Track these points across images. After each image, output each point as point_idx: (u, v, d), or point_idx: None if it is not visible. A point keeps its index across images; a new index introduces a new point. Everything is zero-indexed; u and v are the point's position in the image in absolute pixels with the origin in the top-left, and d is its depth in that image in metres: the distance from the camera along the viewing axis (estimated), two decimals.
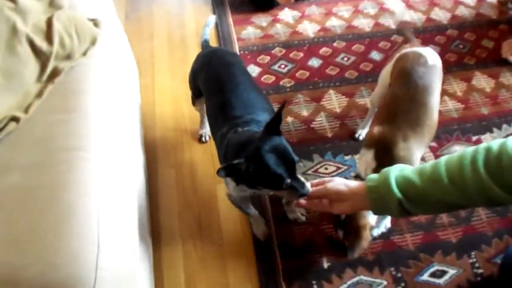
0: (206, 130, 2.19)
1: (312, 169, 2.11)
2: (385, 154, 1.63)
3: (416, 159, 1.65)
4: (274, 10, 2.89)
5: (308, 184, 1.38)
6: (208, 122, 1.81)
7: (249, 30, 2.75)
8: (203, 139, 2.22)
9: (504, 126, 2.30)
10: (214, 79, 1.78)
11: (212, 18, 2.18)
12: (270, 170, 1.33)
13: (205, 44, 2.05)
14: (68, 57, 1.54)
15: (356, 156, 2.14)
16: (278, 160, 1.34)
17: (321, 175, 2.09)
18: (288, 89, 2.44)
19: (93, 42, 1.62)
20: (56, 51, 1.50)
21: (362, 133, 2.21)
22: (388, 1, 2.99)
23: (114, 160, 1.39)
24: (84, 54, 1.58)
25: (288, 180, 1.35)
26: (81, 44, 1.58)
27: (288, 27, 2.79)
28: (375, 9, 2.93)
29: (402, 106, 1.71)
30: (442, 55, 2.60)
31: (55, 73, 1.50)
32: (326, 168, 2.11)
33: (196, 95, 1.98)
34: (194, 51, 2.62)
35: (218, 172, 1.28)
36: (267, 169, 1.33)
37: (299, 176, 1.39)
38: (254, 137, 1.41)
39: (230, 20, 2.82)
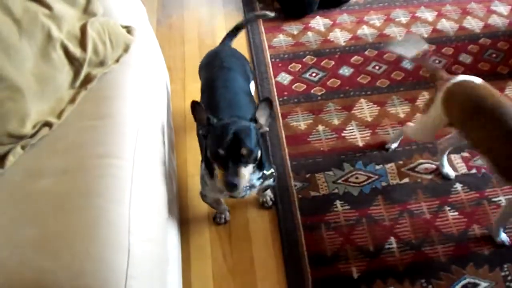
0: None
1: (343, 178, 2.11)
2: None
3: None
4: (306, 18, 2.89)
5: (243, 182, 1.44)
6: None
7: (280, 38, 2.76)
8: None
9: None
10: (210, 80, 1.86)
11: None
12: (217, 131, 1.45)
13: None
14: (101, 63, 1.57)
15: (387, 166, 2.14)
16: (232, 134, 1.42)
17: (351, 184, 2.08)
18: (319, 98, 2.44)
19: (126, 49, 1.65)
20: (89, 58, 1.53)
21: (393, 146, 2.19)
22: (420, 9, 2.97)
23: (145, 167, 1.40)
24: (117, 60, 1.61)
25: (222, 152, 1.41)
26: (114, 51, 1.61)
27: (320, 35, 2.79)
28: (407, 17, 2.91)
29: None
30: (474, 64, 2.60)
31: (88, 79, 1.53)
32: (356, 178, 2.10)
33: None
34: None
35: (192, 103, 1.48)
36: (217, 129, 1.45)
37: (242, 169, 1.44)
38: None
39: (262, 27, 2.83)
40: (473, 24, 2.88)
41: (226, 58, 1.93)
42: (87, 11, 1.62)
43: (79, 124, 1.42)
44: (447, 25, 2.86)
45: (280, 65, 2.59)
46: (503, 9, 3.00)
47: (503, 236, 1.91)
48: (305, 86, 2.49)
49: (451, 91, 1.68)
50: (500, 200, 2.03)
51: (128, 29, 1.72)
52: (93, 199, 1.22)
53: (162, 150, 1.70)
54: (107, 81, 1.55)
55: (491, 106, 1.56)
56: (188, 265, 1.89)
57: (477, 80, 1.68)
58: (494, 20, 2.91)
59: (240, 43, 2.70)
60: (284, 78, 2.52)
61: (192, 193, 2.11)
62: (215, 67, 1.88)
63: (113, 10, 1.77)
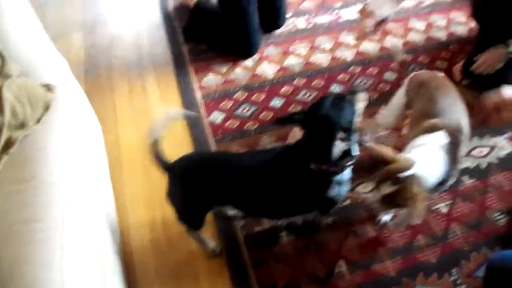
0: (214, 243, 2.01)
1: None
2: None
3: None
4: (233, 55, 2.92)
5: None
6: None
7: (210, 77, 2.77)
8: (219, 252, 2.02)
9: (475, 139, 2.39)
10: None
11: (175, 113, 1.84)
12: None
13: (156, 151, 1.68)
14: (22, 125, 1.52)
15: None
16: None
17: None
18: (253, 132, 2.45)
19: (47, 108, 1.61)
20: (8, 121, 1.48)
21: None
22: (342, 34, 3.08)
23: (77, 228, 1.34)
24: (38, 121, 1.57)
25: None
26: (34, 111, 1.57)
27: (248, 70, 2.82)
28: (331, 43, 3.00)
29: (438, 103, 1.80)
30: (399, 80, 2.67)
31: (9, 143, 1.48)
32: None
33: (202, 216, 1.81)
34: (155, 101, 2.66)
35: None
36: None
37: None
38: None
39: (191, 69, 2.84)
40: (394, 43, 3.00)
41: (213, 158, 1.78)
42: (1, 74, 1.57)
43: (3, 190, 1.36)
44: (369, 47, 2.97)
45: (212, 104, 2.60)
46: (420, 25, 3.15)
47: (386, 218, 2.05)
48: (238, 122, 2.50)
49: (411, 78, 1.99)
50: (439, 208, 2.10)
51: (48, 87, 1.67)
52: (22, 267, 1.16)
53: (96, 205, 1.66)
54: (29, 142, 1.50)
55: (430, 83, 1.89)
56: None
57: (429, 71, 2.01)
58: (413, 37, 3.05)
59: (169, 90, 2.73)
60: (217, 116, 2.53)
61: (136, 246, 2.06)
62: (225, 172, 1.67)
63: (32, 68, 1.73)
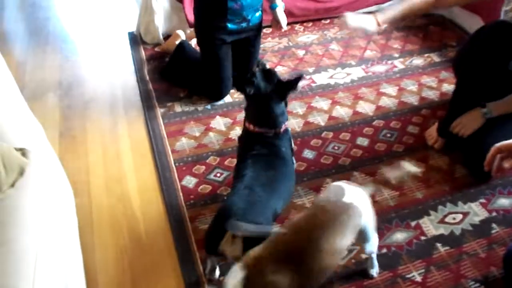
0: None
1: None
2: (253, 282, 1.41)
3: None
4: (206, 119, 2.94)
5: None
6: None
7: (183, 141, 2.76)
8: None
9: (440, 207, 2.37)
10: None
11: None
12: None
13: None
14: None
15: None
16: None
17: None
18: (225, 198, 2.40)
19: (21, 172, 1.59)
20: None
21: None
22: (315, 99, 3.12)
23: None
24: (12, 185, 1.54)
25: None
26: (9, 175, 1.54)
27: (221, 134, 2.82)
28: (303, 108, 3.03)
29: (292, 236, 1.53)
30: (371, 146, 2.72)
31: None
32: None
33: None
34: (130, 167, 2.63)
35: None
36: None
37: None
38: None
39: (164, 132, 2.83)
40: (366, 107, 3.04)
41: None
42: None
43: None
44: (342, 112, 3.01)
45: (184, 168, 2.57)
46: (391, 90, 3.21)
47: None
48: (210, 187, 2.47)
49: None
50: (413, 276, 2.06)
51: (23, 152, 1.67)
52: None
53: (67, 270, 1.62)
54: (2, 207, 1.48)
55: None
56: None
57: (348, 186, 1.75)
58: (385, 102, 3.10)
59: (143, 153, 2.72)
60: (190, 181, 2.50)
61: None
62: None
63: (6, 133, 1.72)
